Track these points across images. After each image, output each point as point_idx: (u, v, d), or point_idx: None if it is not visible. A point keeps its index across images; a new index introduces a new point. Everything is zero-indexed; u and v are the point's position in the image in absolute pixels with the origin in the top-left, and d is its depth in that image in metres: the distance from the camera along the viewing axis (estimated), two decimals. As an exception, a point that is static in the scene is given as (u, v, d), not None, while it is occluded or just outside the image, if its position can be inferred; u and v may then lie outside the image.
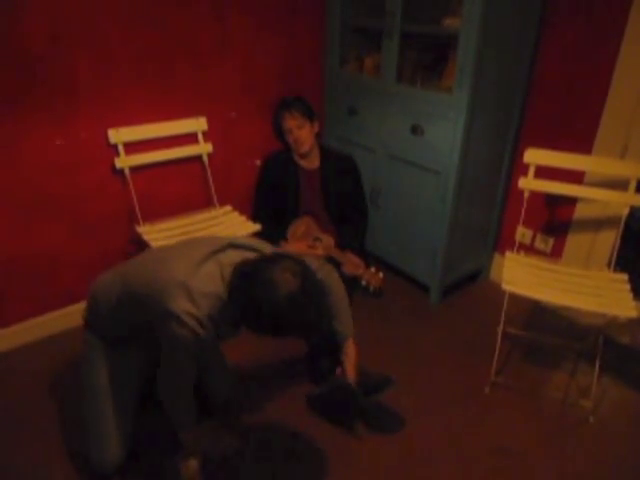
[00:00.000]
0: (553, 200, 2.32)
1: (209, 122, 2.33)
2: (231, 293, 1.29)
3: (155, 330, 1.34)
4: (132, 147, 2.14)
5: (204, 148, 2.35)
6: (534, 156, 2.05)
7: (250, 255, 1.38)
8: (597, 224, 2.21)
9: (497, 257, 2.67)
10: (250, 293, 1.22)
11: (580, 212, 2.26)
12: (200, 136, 2.33)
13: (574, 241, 2.32)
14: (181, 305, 1.26)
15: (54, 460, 1.63)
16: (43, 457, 1.64)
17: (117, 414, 1.53)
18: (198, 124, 2.30)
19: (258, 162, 2.63)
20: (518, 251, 2.15)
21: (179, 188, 2.39)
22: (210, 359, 1.73)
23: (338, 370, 1.74)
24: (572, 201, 2.25)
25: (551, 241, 2.42)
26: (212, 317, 1.31)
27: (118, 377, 1.56)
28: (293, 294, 1.20)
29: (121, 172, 2.13)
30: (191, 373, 1.41)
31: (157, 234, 2.13)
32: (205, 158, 2.37)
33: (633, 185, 1.92)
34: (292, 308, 1.20)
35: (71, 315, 2.18)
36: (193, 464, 1.49)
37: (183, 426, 1.47)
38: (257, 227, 2.23)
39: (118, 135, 2.07)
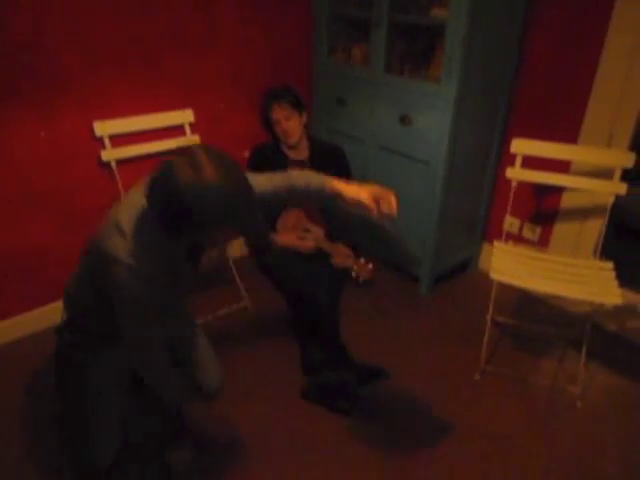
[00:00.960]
0: (540, 189, 2.34)
1: (196, 114, 2.31)
2: (150, 195, 1.13)
3: (108, 295, 1.24)
4: (118, 139, 2.11)
5: (191, 140, 2.32)
6: (521, 146, 2.07)
7: None
8: (583, 213, 2.24)
9: (486, 246, 2.69)
10: (168, 183, 1.08)
11: (567, 201, 2.28)
12: (187, 128, 2.30)
13: (561, 230, 2.35)
14: (114, 243, 1.18)
15: (36, 455, 1.62)
16: (28, 453, 1.63)
17: (108, 412, 1.51)
18: (185, 116, 2.28)
19: (246, 153, 2.61)
20: (506, 240, 2.17)
21: None
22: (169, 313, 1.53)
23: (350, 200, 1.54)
24: (559, 190, 2.27)
25: (538, 230, 2.45)
26: (145, 244, 1.20)
27: (107, 376, 1.54)
28: (215, 170, 1.09)
29: (108, 165, 2.10)
30: (157, 327, 1.31)
31: (145, 227, 2.11)
32: (193, 150, 2.34)
33: (618, 174, 1.94)
34: (217, 184, 1.08)
35: (58, 311, 2.15)
36: (185, 456, 1.49)
37: (185, 395, 1.40)
38: (246, 219, 2.22)
39: (104, 127, 2.04)
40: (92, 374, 1.50)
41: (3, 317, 2.08)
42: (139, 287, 1.21)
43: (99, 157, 2.06)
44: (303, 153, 2.51)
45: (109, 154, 2.08)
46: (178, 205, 1.08)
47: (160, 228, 1.17)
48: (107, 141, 2.07)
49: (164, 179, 1.10)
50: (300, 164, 2.49)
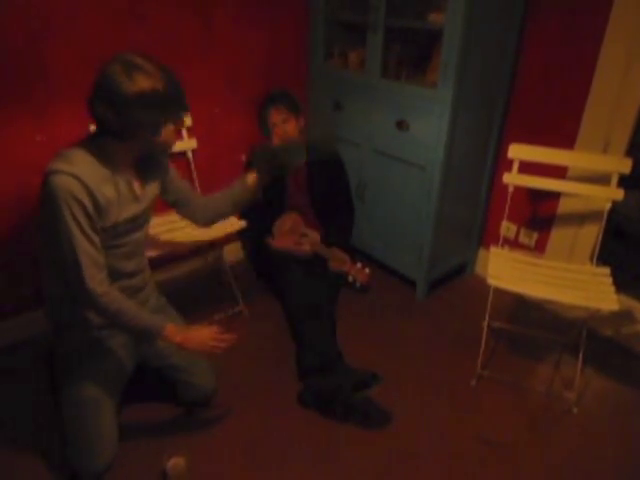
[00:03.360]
0: (537, 195, 2.35)
1: (193, 118, 2.30)
2: (93, 99, 1.30)
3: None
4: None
5: (188, 144, 2.32)
6: (518, 151, 2.07)
7: None
8: (580, 218, 2.24)
9: (482, 251, 2.69)
10: (108, 82, 1.27)
11: (563, 207, 2.29)
12: (184, 132, 2.30)
13: (558, 235, 2.35)
14: (52, 163, 1.28)
15: (35, 461, 1.61)
16: (29, 462, 1.62)
17: (107, 415, 1.50)
18: (182, 119, 2.27)
19: (243, 157, 2.61)
20: (503, 245, 2.17)
21: None
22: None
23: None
24: (556, 196, 2.27)
25: (535, 235, 2.45)
26: (86, 155, 1.32)
27: (103, 380, 1.53)
28: (151, 67, 1.30)
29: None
30: (102, 256, 1.34)
31: (141, 231, 2.09)
32: (189, 154, 2.34)
33: (615, 180, 1.94)
34: (152, 80, 1.27)
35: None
36: (180, 463, 1.48)
37: (153, 326, 1.41)
38: (242, 224, 2.22)
39: (100, 131, 2.03)
40: (86, 384, 1.49)
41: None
42: (77, 189, 1.25)
43: (95, 161, 2.05)
44: (300, 157, 2.51)
45: (105, 158, 2.07)
46: (118, 98, 1.24)
47: (105, 136, 1.31)
48: (103, 145, 2.05)
49: (103, 79, 1.27)
50: (297, 170, 2.49)
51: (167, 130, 1.39)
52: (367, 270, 2.29)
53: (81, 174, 1.26)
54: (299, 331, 2.08)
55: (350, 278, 2.28)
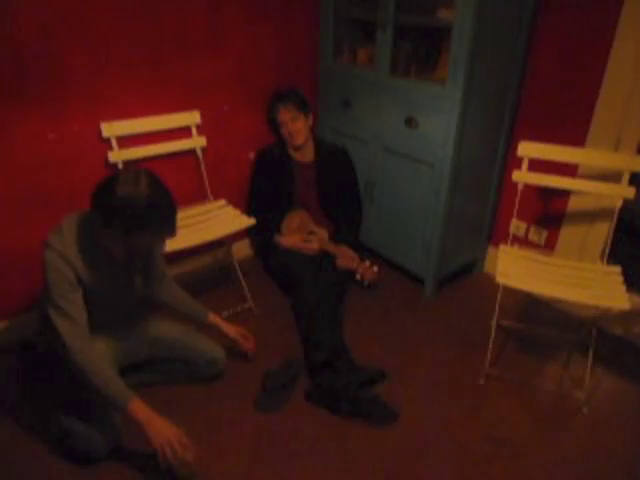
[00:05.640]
0: (547, 192, 2.33)
1: (203, 115, 2.32)
2: (94, 195, 1.38)
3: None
4: (125, 141, 2.12)
5: (198, 141, 2.33)
6: (527, 149, 2.05)
7: None
8: (590, 216, 2.22)
9: (491, 249, 2.68)
10: (109, 185, 1.35)
11: (574, 204, 2.27)
12: (194, 129, 2.31)
13: (568, 233, 2.33)
14: (50, 236, 1.44)
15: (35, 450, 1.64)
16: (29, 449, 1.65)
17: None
18: (192, 117, 2.29)
19: (252, 155, 2.62)
20: (512, 243, 2.16)
21: (173, 182, 2.32)
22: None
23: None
24: (566, 194, 2.26)
25: (545, 233, 2.43)
26: (80, 240, 1.45)
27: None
28: (148, 185, 1.35)
29: (115, 166, 2.11)
30: (79, 313, 1.47)
31: (151, 228, 2.12)
32: (199, 152, 2.35)
33: (626, 177, 1.92)
34: (145, 195, 1.34)
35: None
36: (187, 456, 1.49)
37: (118, 399, 1.45)
38: (251, 221, 2.23)
39: (111, 129, 2.05)
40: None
41: (7, 316, 2.10)
42: (64, 268, 1.42)
43: (106, 158, 2.07)
44: (309, 155, 2.52)
45: (116, 155, 2.09)
46: (110, 203, 1.33)
47: (96, 226, 1.41)
48: (114, 142, 2.08)
49: (107, 182, 1.36)
50: (305, 167, 2.50)
51: (142, 238, 1.41)
52: (375, 268, 2.29)
53: (68, 252, 1.43)
54: (306, 329, 2.09)
55: (358, 276, 2.28)
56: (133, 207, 1.33)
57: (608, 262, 2.01)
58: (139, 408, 1.44)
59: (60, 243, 1.43)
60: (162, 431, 1.42)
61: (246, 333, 1.96)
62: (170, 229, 1.44)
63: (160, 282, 1.81)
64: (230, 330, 1.92)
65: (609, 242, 2.02)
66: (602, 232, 2.19)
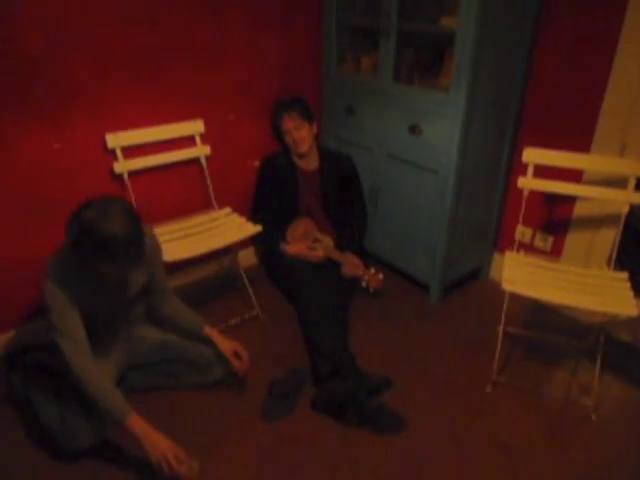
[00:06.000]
0: (552, 199, 2.32)
1: (207, 124, 2.33)
2: (67, 225, 1.38)
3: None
4: (130, 151, 2.13)
5: (202, 150, 2.34)
6: (532, 155, 2.05)
7: None
8: (596, 222, 2.21)
9: (497, 255, 2.67)
10: (79, 214, 1.35)
11: (579, 210, 2.26)
12: (198, 138, 2.32)
13: (574, 239, 2.32)
14: (49, 261, 1.50)
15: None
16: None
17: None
18: (196, 126, 2.30)
19: (256, 163, 2.63)
20: (518, 249, 2.15)
21: (178, 191, 2.39)
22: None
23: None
24: (571, 199, 2.25)
25: (551, 239, 2.42)
26: (68, 276, 1.48)
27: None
28: (114, 219, 1.34)
29: (120, 177, 2.12)
30: (80, 331, 1.51)
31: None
32: (203, 160, 2.36)
33: (632, 183, 1.91)
34: (110, 229, 1.33)
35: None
36: (193, 466, 1.49)
37: (116, 413, 1.47)
38: (257, 228, 2.23)
39: (116, 139, 2.07)
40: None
41: (11, 327, 2.10)
42: (59, 296, 1.46)
43: (111, 169, 2.09)
44: (313, 163, 2.53)
45: (121, 166, 2.10)
46: (73, 233, 1.35)
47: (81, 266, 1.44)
48: (119, 153, 2.09)
49: (78, 211, 1.36)
50: (310, 175, 2.51)
51: (104, 268, 1.42)
52: (380, 275, 2.28)
53: (64, 283, 1.47)
54: (312, 337, 2.08)
55: (363, 283, 2.28)
56: (90, 238, 1.33)
57: (615, 268, 2.00)
58: (136, 423, 1.47)
59: (58, 275, 1.47)
60: (158, 445, 1.45)
61: (240, 350, 1.84)
62: (127, 260, 1.41)
63: (161, 297, 1.81)
64: (223, 346, 1.82)
65: (616, 248, 2.01)
66: (608, 238, 2.18)
